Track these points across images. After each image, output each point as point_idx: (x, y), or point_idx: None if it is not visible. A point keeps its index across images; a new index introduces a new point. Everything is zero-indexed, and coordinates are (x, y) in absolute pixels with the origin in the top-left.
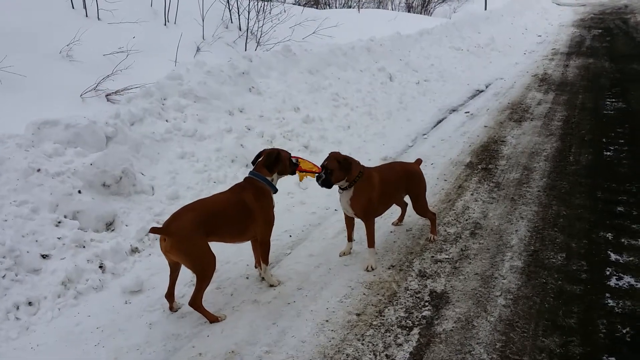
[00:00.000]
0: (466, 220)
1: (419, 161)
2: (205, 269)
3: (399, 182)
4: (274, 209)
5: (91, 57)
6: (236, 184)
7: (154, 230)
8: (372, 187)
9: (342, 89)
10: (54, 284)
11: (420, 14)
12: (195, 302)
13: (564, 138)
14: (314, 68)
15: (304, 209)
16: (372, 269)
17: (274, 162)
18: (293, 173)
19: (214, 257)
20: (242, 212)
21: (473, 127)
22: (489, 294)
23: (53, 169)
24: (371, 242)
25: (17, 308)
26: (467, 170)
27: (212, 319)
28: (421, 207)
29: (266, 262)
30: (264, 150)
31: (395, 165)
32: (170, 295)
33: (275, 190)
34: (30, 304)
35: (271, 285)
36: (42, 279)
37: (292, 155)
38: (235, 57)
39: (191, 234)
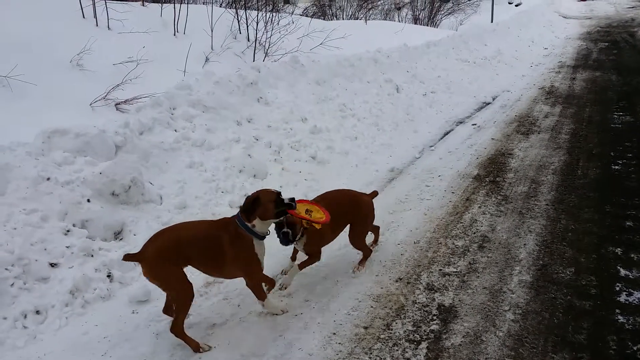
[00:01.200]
0: (474, 233)
1: (374, 193)
2: (178, 296)
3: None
4: (263, 255)
5: (101, 67)
6: (224, 218)
7: (127, 257)
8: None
9: (349, 100)
10: (62, 293)
11: (427, 26)
12: (174, 329)
13: (572, 151)
14: (321, 79)
15: None
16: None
17: (252, 207)
18: (277, 217)
19: (189, 285)
20: (215, 248)
21: (480, 139)
22: (497, 308)
23: (62, 177)
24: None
25: (25, 316)
26: (475, 182)
27: (195, 347)
28: (357, 239)
29: (262, 297)
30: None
31: (336, 193)
32: (167, 309)
33: (260, 237)
34: (38, 312)
35: (276, 314)
36: (50, 287)
37: (300, 199)
38: (244, 67)
39: (161, 261)
